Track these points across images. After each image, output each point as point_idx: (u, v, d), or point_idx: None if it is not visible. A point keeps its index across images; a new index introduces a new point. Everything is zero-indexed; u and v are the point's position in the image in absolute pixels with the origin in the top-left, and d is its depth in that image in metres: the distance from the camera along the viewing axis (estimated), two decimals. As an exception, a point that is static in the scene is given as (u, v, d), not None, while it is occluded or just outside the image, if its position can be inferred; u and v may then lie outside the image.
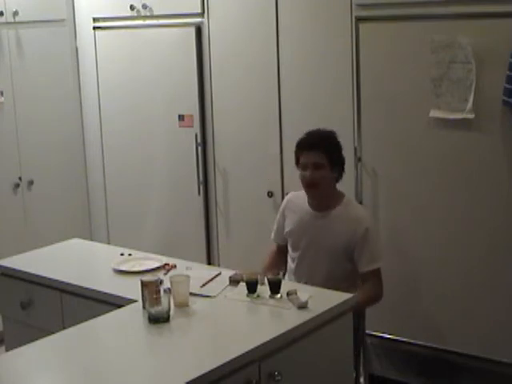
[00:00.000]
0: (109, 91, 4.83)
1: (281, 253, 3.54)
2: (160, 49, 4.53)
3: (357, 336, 3.09)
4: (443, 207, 3.65)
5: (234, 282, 3.04)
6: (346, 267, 3.33)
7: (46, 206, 4.82)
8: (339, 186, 3.42)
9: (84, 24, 4.84)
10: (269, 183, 4.20)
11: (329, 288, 3.04)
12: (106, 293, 3.05)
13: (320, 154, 3.28)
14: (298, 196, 3.47)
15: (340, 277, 3.31)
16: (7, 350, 3.23)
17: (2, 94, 4.57)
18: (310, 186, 3.33)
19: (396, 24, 3.66)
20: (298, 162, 3.39)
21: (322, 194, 3.35)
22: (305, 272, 3.37)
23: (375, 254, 3.30)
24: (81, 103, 4.99)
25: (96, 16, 4.78)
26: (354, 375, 3.21)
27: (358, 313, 3.03)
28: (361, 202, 3.82)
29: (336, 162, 3.33)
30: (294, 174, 3.57)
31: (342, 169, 3.39)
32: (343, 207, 3.36)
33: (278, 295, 2.87)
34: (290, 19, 4.00)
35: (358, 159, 3.84)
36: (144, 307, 2.79)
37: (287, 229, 3.45)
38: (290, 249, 3.46)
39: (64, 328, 2.94)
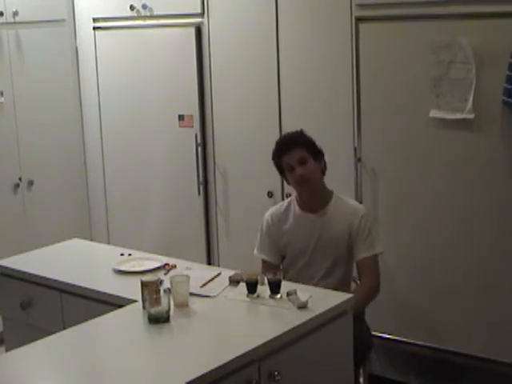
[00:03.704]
0: (109, 91, 4.83)
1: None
2: (160, 49, 4.53)
3: (359, 338, 3.07)
4: (443, 207, 3.65)
5: (233, 282, 3.04)
6: (350, 263, 3.35)
7: (46, 206, 4.82)
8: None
9: (84, 24, 4.84)
10: (269, 183, 4.19)
11: (342, 287, 3.12)
12: (105, 293, 3.05)
13: (299, 149, 3.28)
14: (279, 209, 3.43)
15: (348, 273, 3.35)
16: (7, 350, 3.23)
17: (1, 94, 4.57)
18: (302, 183, 3.30)
19: (396, 24, 3.66)
20: (282, 172, 3.38)
21: (316, 189, 3.33)
22: (314, 275, 3.32)
23: (374, 241, 3.30)
24: (81, 103, 4.99)
25: (96, 16, 4.77)
26: (354, 375, 3.21)
27: (357, 314, 3.02)
28: (361, 202, 3.81)
29: (317, 152, 3.33)
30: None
31: (324, 160, 3.38)
32: (336, 202, 3.35)
33: (278, 295, 2.87)
34: (290, 19, 3.99)
35: (358, 159, 3.84)
36: (144, 307, 2.79)
37: (285, 240, 3.38)
38: (290, 259, 3.39)
39: (64, 328, 2.95)
